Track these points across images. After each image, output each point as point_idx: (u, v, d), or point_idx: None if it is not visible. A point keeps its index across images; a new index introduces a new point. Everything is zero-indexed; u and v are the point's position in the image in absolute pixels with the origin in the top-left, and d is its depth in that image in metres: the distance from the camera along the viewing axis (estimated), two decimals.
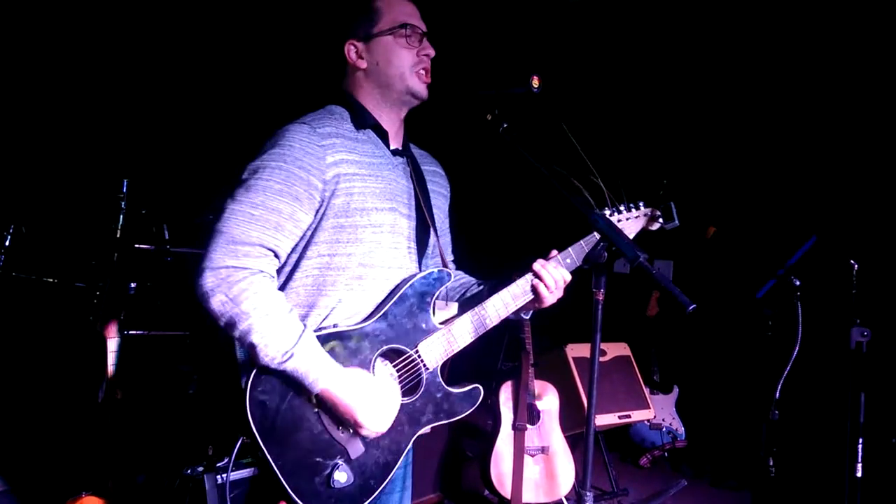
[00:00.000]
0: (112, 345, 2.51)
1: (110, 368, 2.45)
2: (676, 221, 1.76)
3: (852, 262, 3.23)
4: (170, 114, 4.18)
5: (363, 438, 1.49)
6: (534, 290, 1.63)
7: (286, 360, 1.38)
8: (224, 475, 2.56)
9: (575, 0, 4.29)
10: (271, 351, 1.38)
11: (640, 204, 1.76)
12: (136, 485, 2.53)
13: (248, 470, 2.68)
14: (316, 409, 1.46)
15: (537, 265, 1.63)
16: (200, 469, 2.71)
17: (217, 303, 1.37)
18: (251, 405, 1.39)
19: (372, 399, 1.46)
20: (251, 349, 1.38)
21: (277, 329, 1.38)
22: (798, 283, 3.27)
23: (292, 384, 1.42)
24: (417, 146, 1.82)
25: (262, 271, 1.42)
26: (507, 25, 4.46)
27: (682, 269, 5.03)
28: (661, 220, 1.75)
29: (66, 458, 2.80)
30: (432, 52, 1.63)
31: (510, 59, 4.55)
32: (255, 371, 1.41)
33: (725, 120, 4.95)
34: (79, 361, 3.14)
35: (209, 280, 1.38)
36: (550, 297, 1.63)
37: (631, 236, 1.75)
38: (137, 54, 4.07)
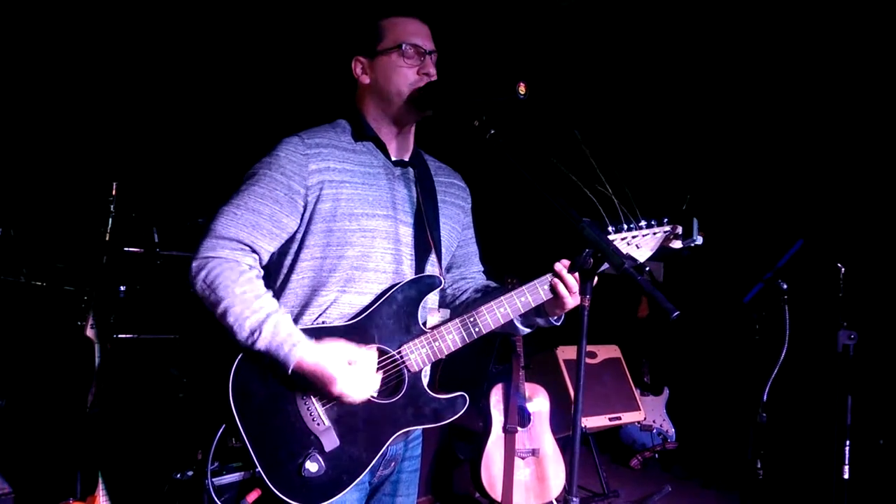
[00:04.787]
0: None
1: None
2: (697, 238, 1.62)
3: (839, 265, 3.26)
4: (160, 117, 4.17)
5: (338, 430, 1.52)
6: (553, 290, 1.59)
7: (256, 339, 1.45)
8: (214, 479, 2.56)
9: (567, 3, 4.30)
10: (244, 331, 1.46)
11: (653, 221, 1.66)
12: (127, 489, 2.52)
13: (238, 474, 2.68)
14: (294, 397, 1.51)
15: (559, 266, 1.60)
16: (190, 473, 2.71)
17: (199, 288, 1.51)
18: (233, 389, 1.47)
19: (348, 365, 1.49)
20: (229, 331, 1.47)
21: (247, 309, 1.47)
22: (785, 286, 3.29)
23: (272, 370, 1.48)
24: (437, 159, 1.87)
25: (236, 261, 1.52)
26: (502, 31, 4.47)
27: (673, 273, 5.06)
28: (681, 237, 1.64)
29: (53, 463, 2.78)
30: (432, 72, 1.66)
31: (505, 64, 4.55)
32: (239, 357, 1.49)
33: (713, 125, 4.98)
34: (67, 366, 3.13)
35: (193, 267, 1.53)
36: (572, 299, 1.59)
37: (648, 254, 1.68)
38: (128, 57, 4.05)
